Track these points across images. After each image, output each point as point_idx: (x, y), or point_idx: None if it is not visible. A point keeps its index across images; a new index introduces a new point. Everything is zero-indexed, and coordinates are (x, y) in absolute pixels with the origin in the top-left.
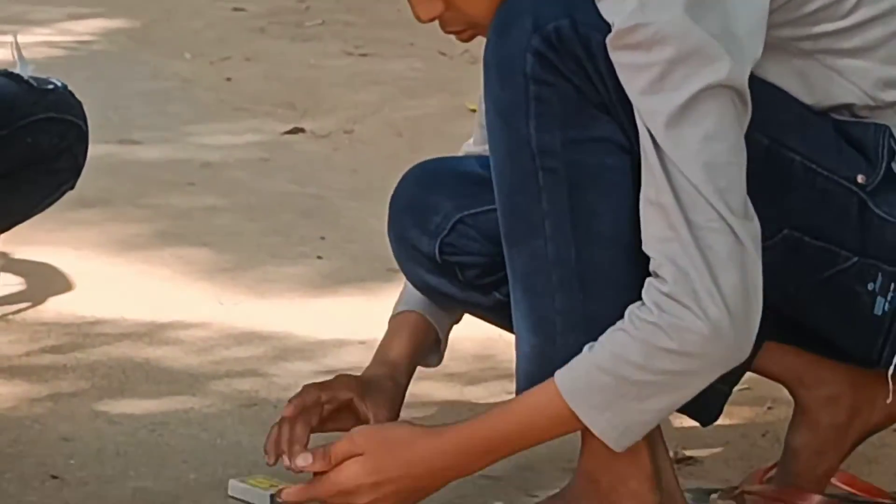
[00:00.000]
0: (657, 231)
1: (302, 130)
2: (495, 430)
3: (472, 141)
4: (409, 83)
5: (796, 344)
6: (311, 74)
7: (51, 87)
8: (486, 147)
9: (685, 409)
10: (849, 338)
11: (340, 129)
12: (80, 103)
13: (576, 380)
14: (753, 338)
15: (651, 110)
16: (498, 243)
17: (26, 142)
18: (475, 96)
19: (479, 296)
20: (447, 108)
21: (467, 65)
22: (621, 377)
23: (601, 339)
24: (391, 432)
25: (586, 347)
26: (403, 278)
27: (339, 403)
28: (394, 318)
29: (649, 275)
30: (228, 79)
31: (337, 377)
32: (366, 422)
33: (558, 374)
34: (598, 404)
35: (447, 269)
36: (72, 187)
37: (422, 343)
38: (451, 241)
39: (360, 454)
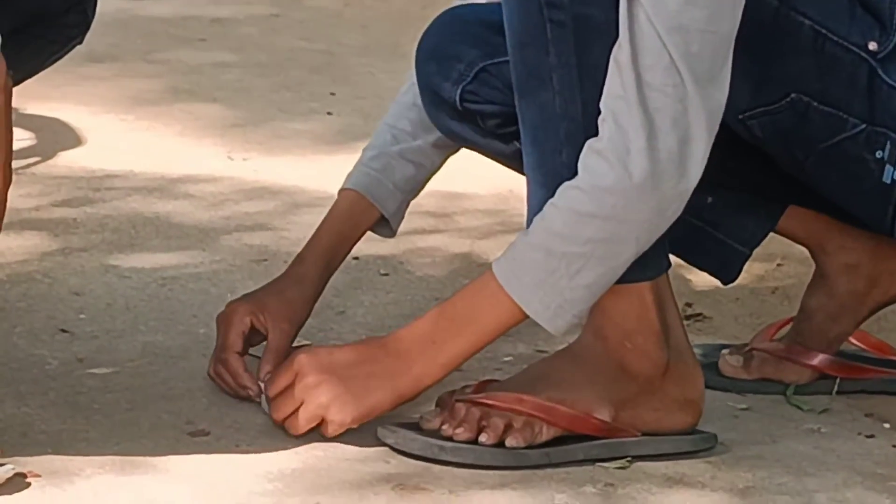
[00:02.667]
0: (611, 87)
1: None
2: (432, 318)
3: None
4: None
5: (821, 210)
6: None
7: None
8: None
9: (705, 267)
10: (859, 206)
11: None
12: None
13: (510, 261)
14: (680, 206)
15: None
16: None
17: None
18: None
19: (499, 144)
20: None
21: None
22: (548, 251)
23: (539, 215)
24: (331, 351)
25: (524, 229)
26: None
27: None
28: (338, 196)
29: None
30: None
31: (227, 306)
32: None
33: (496, 261)
34: (529, 283)
35: (469, 117)
36: (80, 42)
37: (354, 225)
38: (473, 89)
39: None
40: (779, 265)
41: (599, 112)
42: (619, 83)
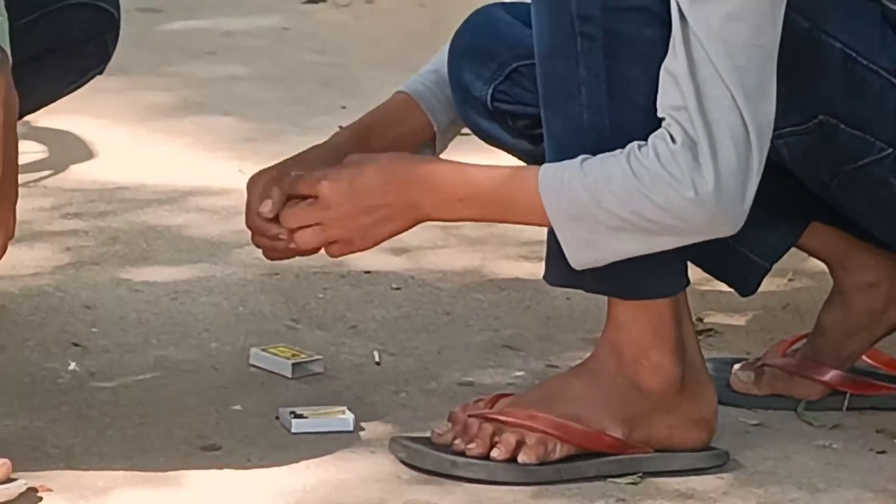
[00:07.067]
0: (671, 99)
1: (323, 0)
2: (474, 180)
3: None
4: None
5: (844, 229)
6: None
7: None
8: None
9: (724, 278)
10: (882, 227)
11: None
12: None
13: (557, 180)
14: (740, 218)
15: None
16: None
17: (55, 26)
18: None
19: (527, 145)
20: None
21: None
22: (596, 200)
23: (596, 158)
24: (375, 154)
25: (580, 158)
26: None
27: None
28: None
29: None
30: None
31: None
32: None
33: (544, 167)
34: (567, 211)
35: (499, 116)
36: (100, 72)
37: (399, 118)
38: (505, 88)
39: (342, 166)
40: (790, 280)
41: (627, 126)
42: (678, 94)
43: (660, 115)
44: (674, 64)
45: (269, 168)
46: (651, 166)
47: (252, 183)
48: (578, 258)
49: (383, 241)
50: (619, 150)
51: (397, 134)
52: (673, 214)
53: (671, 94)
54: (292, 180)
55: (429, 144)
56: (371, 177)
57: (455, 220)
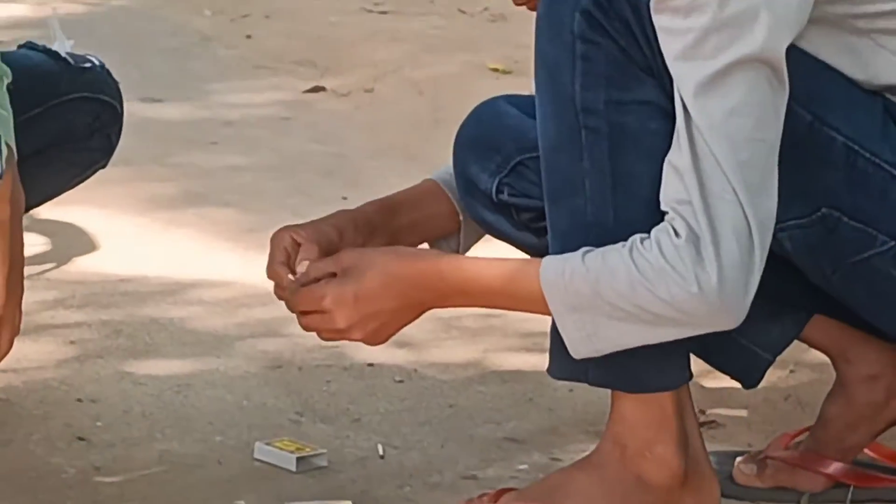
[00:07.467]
0: (674, 193)
1: (323, 89)
2: (476, 276)
3: None
4: (429, 41)
5: (846, 321)
6: (331, 32)
7: (88, 65)
8: None
9: (727, 370)
10: (884, 320)
11: (361, 88)
12: (116, 83)
13: (558, 274)
14: (742, 312)
15: (682, 76)
16: None
17: (59, 121)
18: (495, 54)
19: (532, 238)
20: (468, 66)
21: (487, 23)
22: (599, 293)
23: (598, 251)
24: (377, 251)
25: (582, 250)
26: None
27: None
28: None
29: None
30: (248, 36)
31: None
32: None
33: (546, 260)
34: (569, 303)
35: (503, 209)
36: (103, 166)
37: (424, 203)
38: (510, 181)
39: (343, 271)
40: (791, 372)
41: (630, 220)
42: (682, 188)
43: (663, 208)
44: (677, 157)
45: (295, 225)
46: (654, 261)
47: (275, 237)
48: (579, 349)
49: (392, 336)
50: (621, 244)
51: (421, 216)
52: (676, 308)
53: (675, 187)
54: (294, 289)
55: (455, 233)
56: (372, 282)
57: (461, 307)
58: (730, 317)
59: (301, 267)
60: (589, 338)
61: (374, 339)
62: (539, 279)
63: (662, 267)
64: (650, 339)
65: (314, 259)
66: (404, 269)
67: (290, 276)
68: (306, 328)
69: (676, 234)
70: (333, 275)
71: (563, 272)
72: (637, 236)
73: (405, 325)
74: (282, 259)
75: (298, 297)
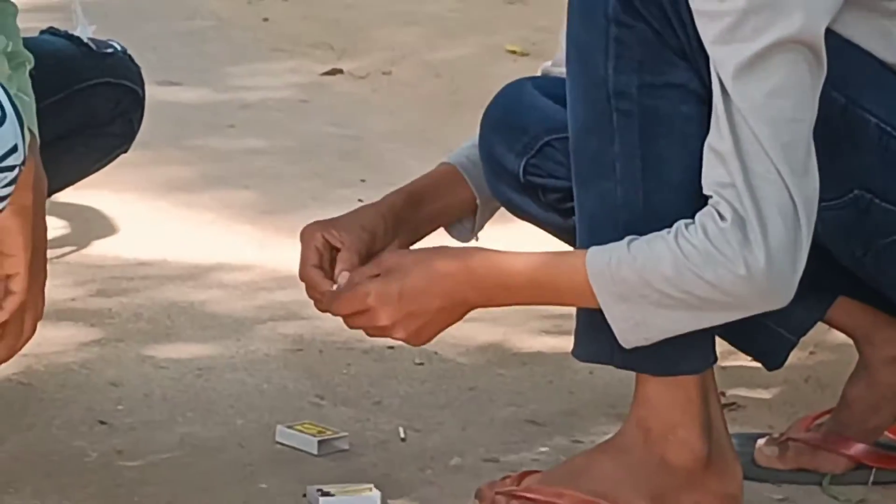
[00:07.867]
0: (717, 176)
1: (340, 72)
2: (519, 270)
3: (550, 63)
4: (446, 23)
5: (871, 303)
6: (347, 15)
7: (110, 50)
8: (564, 70)
9: (751, 352)
10: None
11: (378, 71)
12: (138, 68)
13: (605, 264)
14: (790, 292)
15: (721, 60)
16: None
17: (81, 106)
18: (512, 37)
19: (558, 218)
20: (485, 48)
21: (504, 5)
22: (647, 281)
23: (643, 239)
24: (421, 251)
25: (627, 239)
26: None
27: None
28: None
29: None
30: (265, 19)
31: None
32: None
33: (591, 251)
34: (617, 293)
35: (530, 190)
36: (125, 151)
37: (441, 189)
38: (537, 162)
39: (386, 271)
40: (812, 353)
41: (660, 204)
42: (724, 171)
43: (706, 192)
44: (718, 141)
45: (325, 222)
46: (701, 245)
47: (306, 235)
48: (629, 338)
49: (434, 336)
50: (665, 230)
51: (443, 205)
52: (725, 292)
53: (717, 171)
54: (334, 295)
55: (471, 216)
56: (417, 280)
57: (504, 305)
58: (778, 297)
59: (342, 279)
60: (637, 326)
61: (417, 339)
62: (585, 270)
63: (709, 251)
64: (699, 324)
65: (354, 268)
66: (448, 267)
67: (331, 286)
68: (352, 328)
69: (721, 217)
70: (376, 276)
71: (609, 262)
72: (682, 222)
73: (448, 325)
74: (314, 261)
75: (342, 301)
